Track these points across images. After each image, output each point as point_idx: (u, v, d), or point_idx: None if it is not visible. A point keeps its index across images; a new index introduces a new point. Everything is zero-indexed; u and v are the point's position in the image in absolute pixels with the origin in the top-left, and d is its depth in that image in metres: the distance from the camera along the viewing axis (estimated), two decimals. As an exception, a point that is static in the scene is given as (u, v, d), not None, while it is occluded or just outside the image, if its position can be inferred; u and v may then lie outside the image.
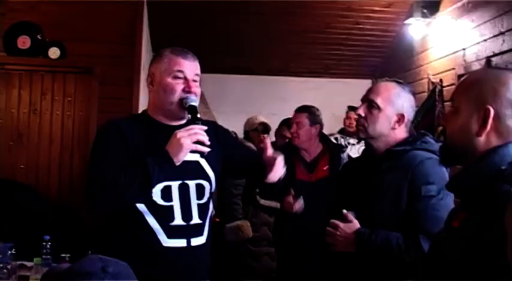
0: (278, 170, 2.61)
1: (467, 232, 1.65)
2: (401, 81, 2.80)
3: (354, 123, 6.05)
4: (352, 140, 5.89)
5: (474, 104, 1.72)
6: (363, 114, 2.71)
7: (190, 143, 2.41)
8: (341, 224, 2.67)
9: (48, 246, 3.67)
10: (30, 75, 5.96)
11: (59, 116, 6.02)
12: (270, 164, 2.59)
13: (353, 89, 8.04)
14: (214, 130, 2.66)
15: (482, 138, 1.72)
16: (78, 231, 5.04)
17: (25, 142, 5.97)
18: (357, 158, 3.26)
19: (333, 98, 7.19)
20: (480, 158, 1.71)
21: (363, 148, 5.99)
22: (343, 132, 6.33)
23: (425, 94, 5.79)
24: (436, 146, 2.50)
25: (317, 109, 4.52)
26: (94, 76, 5.87)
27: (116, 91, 5.82)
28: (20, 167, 5.93)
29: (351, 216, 2.68)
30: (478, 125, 1.71)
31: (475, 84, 1.77)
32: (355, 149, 5.67)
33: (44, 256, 3.62)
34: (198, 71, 2.60)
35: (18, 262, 3.65)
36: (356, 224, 2.66)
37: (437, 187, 2.51)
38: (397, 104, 2.69)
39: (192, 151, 2.49)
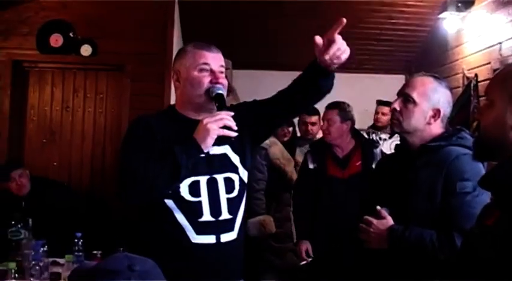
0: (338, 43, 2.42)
1: (502, 231, 1.60)
2: (437, 76, 2.74)
3: (382, 117, 6.10)
4: (383, 135, 5.85)
5: (509, 97, 1.68)
6: (398, 108, 2.66)
7: (217, 128, 2.39)
8: (374, 221, 2.64)
9: (80, 243, 3.70)
10: (63, 72, 6.04)
11: (91, 113, 6.09)
12: (328, 43, 2.43)
13: (386, 85, 7.98)
14: (237, 112, 2.55)
15: None
16: (110, 228, 5.07)
17: (57, 139, 6.04)
18: (391, 154, 3.21)
19: (366, 93, 7.12)
20: None
21: (396, 142, 5.96)
22: (374, 127, 6.28)
23: (460, 89, 5.71)
24: (472, 141, 2.45)
25: (348, 105, 4.47)
26: (125, 73, 5.92)
27: (147, 88, 5.86)
28: (52, 164, 6.01)
29: (384, 212, 2.64)
30: None
31: (508, 77, 1.73)
32: (387, 144, 5.62)
33: (75, 253, 3.64)
34: (223, 63, 2.59)
35: (51, 259, 3.69)
36: (390, 220, 2.62)
37: (472, 183, 2.45)
38: (433, 99, 2.64)
39: (220, 143, 2.48)
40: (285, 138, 5.52)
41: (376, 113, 6.31)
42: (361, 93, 7.06)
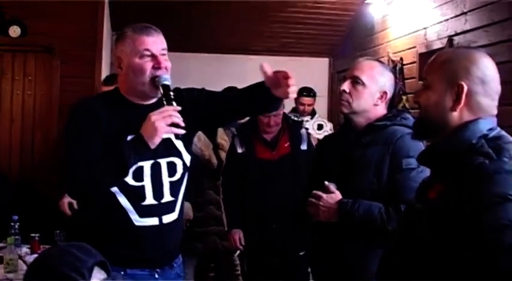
0: (290, 82, 2.51)
1: (447, 203, 1.75)
2: (382, 61, 2.89)
3: (307, 108, 6.17)
4: (305, 118, 5.99)
5: (447, 81, 1.84)
6: (347, 90, 2.79)
7: (165, 126, 2.39)
8: (324, 195, 2.75)
9: (16, 226, 3.67)
10: (-11, 54, 5.88)
11: (19, 95, 5.96)
12: (279, 80, 2.52)
13: (311, 68, 8.19)
14: (180, 98, 2.56)
15: (455, 114, 1.84)
16: (45, 210, 5.01)
17: (-16, 122, 5.89)
18: (333, 134, 3.35)
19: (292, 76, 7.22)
20: (453, 132, 1.83)
21: (317, 123, 6.10)
22: (296, 111, 6.32)
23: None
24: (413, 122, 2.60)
25: None
26: (55, 55, 5.84)
27: (78, 70, 5.80)
28: (-21, 147, 5.86)
29: (332, 187, 2.76)
30: (452, 101, 1.83)
31: (447, 63, 1.88)
32: (309, 124, 5.79)
33: (13, 236, 3.62)
34: (164, 45, 2.55)
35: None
36: (338, 195, 2.74)
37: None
38: (381, 81, 2.80)
39: None
40: None
41: (301, 104, 6.29)
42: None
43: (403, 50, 5.66)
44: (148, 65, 2.47)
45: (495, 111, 1.87)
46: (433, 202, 1.84)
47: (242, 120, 4.66)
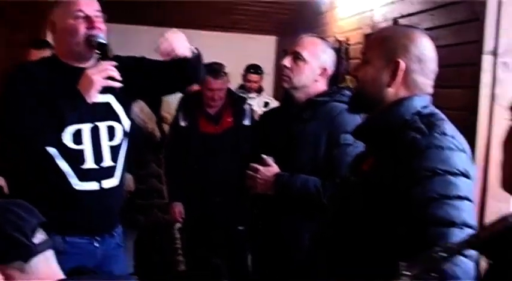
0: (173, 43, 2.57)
1: (378, 173, 1.83)
2: (324, 38, 2.93)
3: (253, 84, 6.21)
4: (252, 95, 6.02)
5: (385, 58, 1.90)
6: (288, 66, 2.83)
7: (101, 79, 2.41)
8: (261, 168, 2.80)
9: None
10: None
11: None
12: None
13: (259, 45, 8.20)
14: (120, 64, 2.56)
15: (391, 90, 1.89)
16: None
17: None
18: (274, 108, 3.38)
19: (238, 53, 7.23)
20: (388, 108, 1.89)
21: (264, 100, 6.13)
22: (243, 88, 6.34)
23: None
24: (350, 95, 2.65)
25: (224, 66, 4.53)
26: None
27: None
28: None
29: (270, 160, 2.81)
30: (389, 77, 1.89)
31: (386, 40, 1.94)
32: (255, 102, 5.82)
33: None
34: (98, 7, 2.56)
35: None
36: (276, 168, 2.80)
37: None
38: (322, 58, 2.85)
39: (103, 91, 2.49)
40: None
41: (248, 81, 6.30)
42: (234, 53, 7.17)
43: (349, 31, 5.69)
44: (82, 25, 2.49)
45: (430, 90, 1.93)
46: (366, 174, 1.90)
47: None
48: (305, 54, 2.82)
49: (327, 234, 2.01)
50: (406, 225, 1.69)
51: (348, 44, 5.63)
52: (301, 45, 2.85)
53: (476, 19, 3.21)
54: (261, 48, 8.04)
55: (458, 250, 1.21)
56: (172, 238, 4.99)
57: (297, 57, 2.83)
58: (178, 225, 4.80)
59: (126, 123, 2.69)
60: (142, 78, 2.69)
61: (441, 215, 1.65)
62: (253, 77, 6.21)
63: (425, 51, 1.89)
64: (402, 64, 1.86)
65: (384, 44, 1.92)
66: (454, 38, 3.52)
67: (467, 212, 1.69)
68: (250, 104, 4.90)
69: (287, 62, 2.83)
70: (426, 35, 1.95)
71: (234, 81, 6.33)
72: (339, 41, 5.78)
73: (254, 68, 6.26)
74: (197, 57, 2.68)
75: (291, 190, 2.72)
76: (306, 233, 2.55)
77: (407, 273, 1.24)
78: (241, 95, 5.19)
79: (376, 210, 1.78)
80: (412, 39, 1.89)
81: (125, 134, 2.69)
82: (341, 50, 5.59)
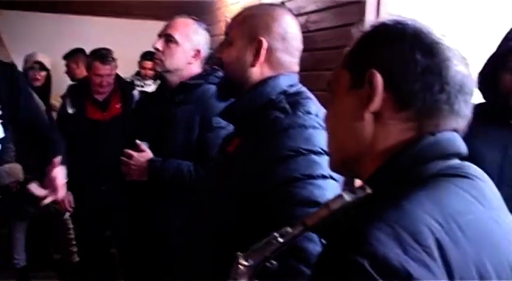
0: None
1: (241, 155, 1.78)
2: (197, 18, 2.90)
3: (148, 72, 6.17)
4: (148, 81, 6.00)
5: (248, 37, 1.84)
6: (160, 48, 2.79)
7: None
8: (134, 154, 2.77)
9: None
10: None
11: None
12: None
13: (154, 31, 8.04)
14: (11, 75, 2.50)
15: (255, 69, 1.83)
16: None
17: None
18: (151, 92, 3.34)
19: (133, 39, 7.12)
20: (253, 88, 1.83)
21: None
22: (139, 74, 6.33)
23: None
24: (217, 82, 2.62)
25: (112, 51, 4.48)
26: None
27: None
28: None
29: (143, 146, 2.78)
30: (252, 56, 1.83)
31: (249, 18, 1.88)
32: (151, 89, 5.79)
33: None
34: None
35: None
36: (149, 153, 2.76)
37: None
38: (195, 40, 2.81)
39: None
40: (38, 84, 5.25)
41: (143, 68, 6.31)
42: (131, 40, 7.06)
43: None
44: None
45: (296, 68, 1.88)
46: (230, 155, 1.87)
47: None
48: (177, 36, 2.78)
49: (198, 216, 1.95)
50: (270, 208, 1.63)
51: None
52: (173, 27, 2.81)
53: (358, 1, 3.26)
54: (155, 35, 7.91)
55: (296, 234, 1.16)
56: (64, 228, 4.89)
57: (168, 39, 2.78)
58: (67, 214, 4.70)
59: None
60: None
61: (306, 195, 1.60)
62: (149, 63, 6.16)
63: (289, 29, 1.84)
64: (265, 43, 1.80)
65: (246, 23, 1.86)
66: (336, 20, 3.58)
67: (332, 191, 1.61)
68: (144, 91, 4.85)
69: (159, 44, 2.79)
70: (290, 13, 1.90)
71: (132, 69, 6.27)
72: (230, 25, 5.78)
73: (149, 55, 6.20)
74: None
75: (164, 175, 2.69)
76: (177, 220, 2.48)
77: (245, 263, 1.16)
78: (136, 81, 5.15)
79: (240, 190, 1.72)
80: (274, 17, 1.84)
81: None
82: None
